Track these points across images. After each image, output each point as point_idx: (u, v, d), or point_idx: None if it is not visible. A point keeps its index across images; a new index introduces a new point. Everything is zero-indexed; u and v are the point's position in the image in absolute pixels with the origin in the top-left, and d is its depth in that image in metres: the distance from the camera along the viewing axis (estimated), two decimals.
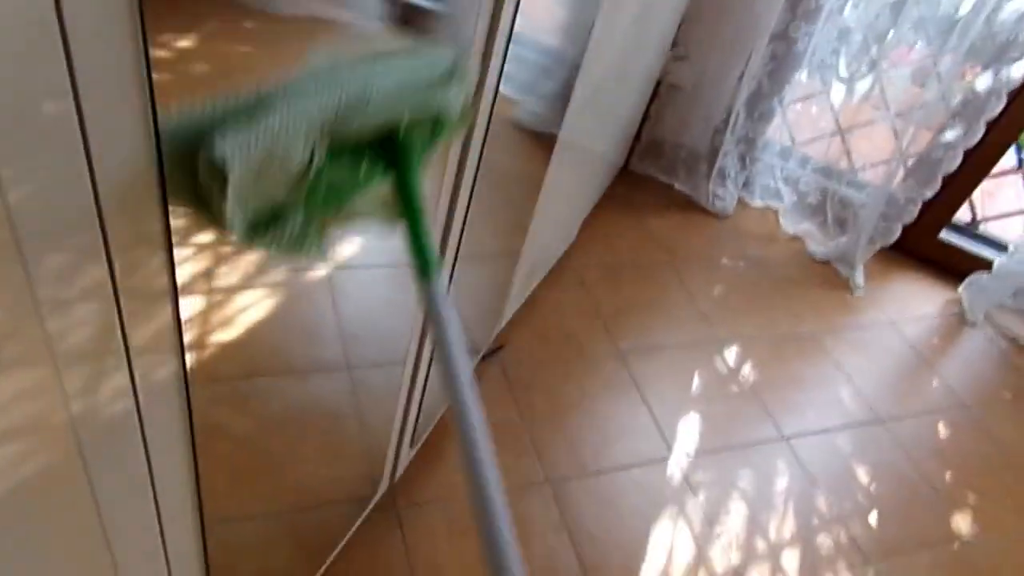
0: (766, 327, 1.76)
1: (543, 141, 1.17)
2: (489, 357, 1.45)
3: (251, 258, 0.65)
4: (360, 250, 0.79)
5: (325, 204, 0.46)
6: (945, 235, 2.06)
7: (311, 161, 0.42)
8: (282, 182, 0.42)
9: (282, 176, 0.42)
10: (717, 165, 2.05)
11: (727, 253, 1.98)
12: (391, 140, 0.49)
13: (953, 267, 2.05)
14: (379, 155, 0.49)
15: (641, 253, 1.89)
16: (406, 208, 0.50)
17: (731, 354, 1.65)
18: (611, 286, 1.75)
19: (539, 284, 1.65)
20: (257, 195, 0.41)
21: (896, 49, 1.84)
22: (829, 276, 1.98)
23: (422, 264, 0.49)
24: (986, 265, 1.97)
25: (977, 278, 1.96)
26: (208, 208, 0.40)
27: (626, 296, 1.73)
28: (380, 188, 0.50)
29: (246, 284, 0.68)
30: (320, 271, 0.80)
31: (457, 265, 0.90)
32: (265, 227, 0.44)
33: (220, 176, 0.38)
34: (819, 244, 2.05)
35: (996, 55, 1.69)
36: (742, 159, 2.09)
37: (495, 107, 0.76)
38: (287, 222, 0.44)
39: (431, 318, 0.48)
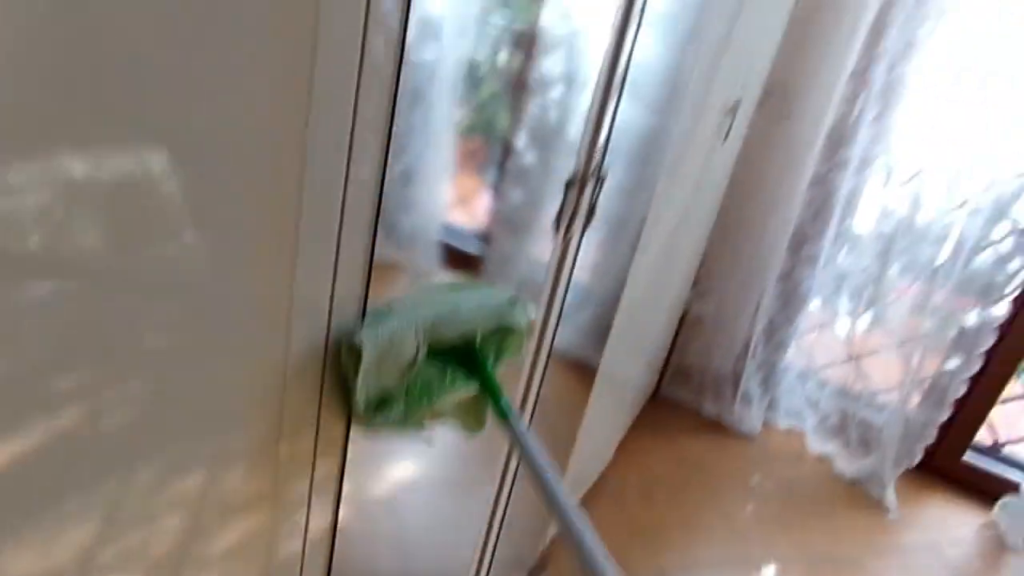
0: (802, 547, 1.82)
1: (584, 370, 1.38)
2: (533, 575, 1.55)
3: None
4: (421, 466, 0.96)
5: (420, 396, 0.62)
6: (969, 457, 2.14)
7: (416, 355, 0.59)
8: (394, 371, 0.58)
9: (395, 366, 0.57)
10: (741, 389, 2.25)
11: (758, 473, 2.09)
12: (471, 352, 0.66)
13: (982, 488, 2.10)
14: (462, 364, 0.65)
15: (675, 473, 2.02)
16: (485, 384, 0.66)
17: (769, 573, 1.70)
18: (647, 504, 1.86)
19: (577, 503, 1.78)
20: (377, 378, 0.56)
21: (894, 287, 2.10)
22: (860, 496, 2.05)
23: (503, 410, 0.64)
24: (1014, 487, 2.02)
25: (1009, 501, 2.00)
26: (342, 387, 0.57)
27: (662, 514, 1.84)
28: (462, 393, 0.66)
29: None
30: (379, 489, 0.96)
31: (513, 489, 1.07)
32: (377, 408, 0.59)
33: (356, 357, 0.54)
34: (846, 464, 2.15)
35: (980, 294, 1.93)
36: (764, 383, 2.28)
37: (554, 343, 0.99)
38: (393, 407, 0.60)
39: (521, 450, 0.62)
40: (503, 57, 0.86)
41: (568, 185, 0.91)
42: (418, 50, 0.81)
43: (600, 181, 0.94)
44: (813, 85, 1.94)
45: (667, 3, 1.05)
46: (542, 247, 0.97)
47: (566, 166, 0.93)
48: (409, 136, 0.82)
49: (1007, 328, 1.95)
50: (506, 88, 0.92)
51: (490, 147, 0.92)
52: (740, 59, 1.44)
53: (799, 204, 2.06)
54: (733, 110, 1.52)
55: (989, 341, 1.94)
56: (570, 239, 0.96)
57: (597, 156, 0.92)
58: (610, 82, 0.89)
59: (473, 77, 0.83)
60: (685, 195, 1.46)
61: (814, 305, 2.21)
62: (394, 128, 0.54)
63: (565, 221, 0.92)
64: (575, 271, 1.02)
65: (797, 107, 1.99)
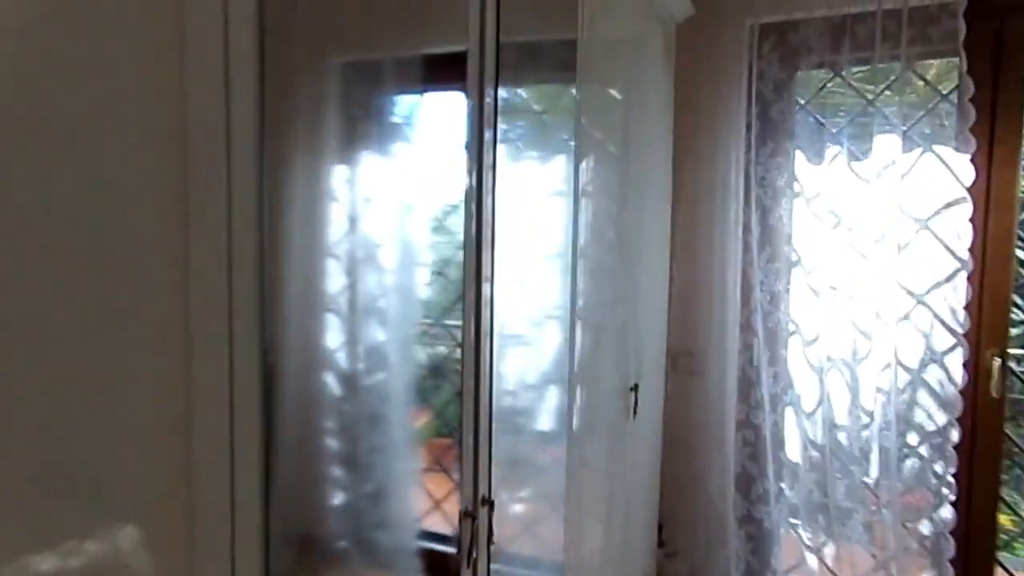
0: None
1: None
2: None
3: None
4: None
5: None
6: None
7: None
8: None
9: None
10: None
11: None
12: None
13: None
14: None
15: None
16: None
17: None
18: None
19: None
20: None
21: (843, 510, 2.16)
22: None
23: None
24: None
25: None
26: None
27: None
28: None
29: None
30: None
31: None
32: None
33: None
34: None
35: (923, 502, 2.02)
36: None
37: None
38: None
39: None
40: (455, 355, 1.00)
41: (462, 517, 0.92)
42: (368, 376, 0.95)
43: (492, 506, 0.97)
44: (711, 345, 2.23)
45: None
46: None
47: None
48: (374, 456, 0.91)
49: (964, 531, 2.02)
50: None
51: (455, 445, 1.02)
52: (630, 351, 1.69)
53: (734, 447, 2.20)
54: (634, 389, 1.71)
55: (951, 549, 1.98)
56: (478, 565, 0.95)
57: (484, 485, 0.95)
58: (476, 416, 0.96)
59: (427, 385, 0.97)
60: (600, 483, 1.54)
61: (784, 541, 2.22)
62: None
63: (466, 552, 0.92)
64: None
65: (704, 364, 2.25)
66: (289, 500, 0.83)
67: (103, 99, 0.48)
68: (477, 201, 0.92)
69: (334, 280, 0.89)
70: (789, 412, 2.19)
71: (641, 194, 1.88)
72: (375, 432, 0.94)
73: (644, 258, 1.90)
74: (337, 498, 0.90)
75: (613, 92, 1.70)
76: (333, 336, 0.92)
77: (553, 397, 1.36)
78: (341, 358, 0.92)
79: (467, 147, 1.06)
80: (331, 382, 0.90)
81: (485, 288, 0.93)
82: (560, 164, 1.42)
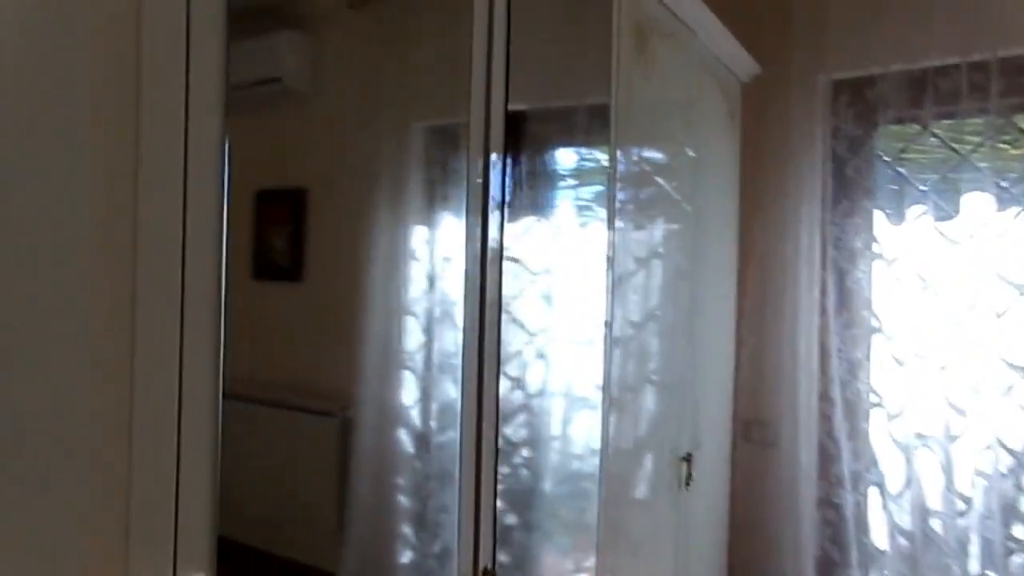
0: None
1: None
2: None
3: None
4: None
5: None
6: None
7: None
8: None
9: None
10: None
11: None
12: None
13: None
14: None
15: None
16: None
17: None
18: None
19: None
20: None
21: None
22: None
23: None
24: None
25: None
26: None
27: None
28: None
29: None
30: None
31: None
32: None
33: None
34: None
35: None
36: None
37: None
38: None
39: None
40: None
41: None
42: (440, 434, 0.95)
43: None
44: (785, 414, 2.08)
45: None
46: None
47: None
48: (443, 515, 0.90)
49: None
50: None
51: None
52: (683, 417, 1.60)
53: (812, 528, 2.02)
54: (687, 458, 1.61)
55: None
56: None
57: (487, 554, 0.91)
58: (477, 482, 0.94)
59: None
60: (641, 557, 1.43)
61: None
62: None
63: None
64: None
65: (777, 434, 2.10)
66: (360, 553, 0.84)
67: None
68: (481, 268, 0.91)
69: (412, 337, 0.91)
70: (873, 492, 1.99)
71: (706, 253, 1.82)
72: (444, 491, 0.94)
73: (706, 320, 1.82)
74: (405, 556, 0.91)
75: (688, 151, 1.68)
76: (408, 393, 0.94)
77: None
78: (415, 415, 0.93)
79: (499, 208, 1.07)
80: (405, 439, 0.91)
81: (490, 346, 0.91)
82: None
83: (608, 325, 1.26)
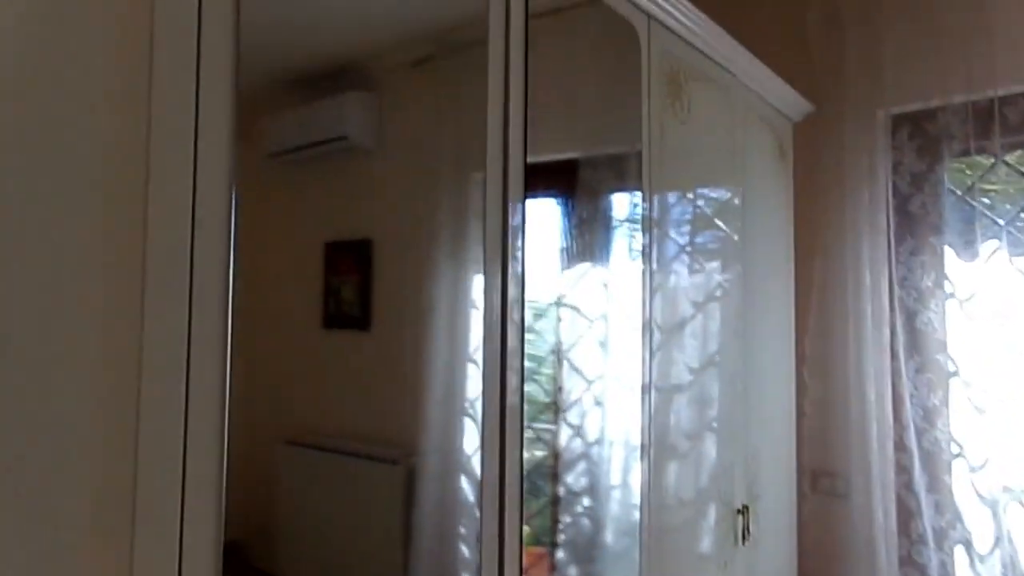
0: None
1: None
2: None
3: None
4: None
5: None
6: None
7: None
8: None
9: None
10: None
11: None
12: None
13: None
14: None
15: None
16: None
17: None
18: None
19: None
20: None
21: None
22: None
23: None
24: None
25: None
26: None
27: None
28: None
29: None
30: None
31: None
32: None
33: None
34: None
35: None
36: None
37: None
38: None
39: None
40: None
41: None
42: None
43: None
44: (856, 464, 2.01)
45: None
46: None
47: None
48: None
49: None
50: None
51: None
52: (737, 467, 1.56)
53: None
54: (743, 511, 1.56)
55: None
56: None
57: None
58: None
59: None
60: None
61: None
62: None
63: None
64: None
65: (849, 486, 2.02)
66: None
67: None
68: (501, 317, 0.92)
69: (472, 385, 0.94)
70: (960, 551, 1.88)
71: (761, 296, 1.80)
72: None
73: (762, 365, 1.79)
74: None
75: (738, 192, 1.69)
76: (470, 441, 0.95)
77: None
78: (476, 463, 0.95)
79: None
80: (466, 487, 0.93)
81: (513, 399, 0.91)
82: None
83: (646, 373, 1.25)
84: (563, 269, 1.09)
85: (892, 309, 2.02)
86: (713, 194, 1.59)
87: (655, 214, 1.28)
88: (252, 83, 0.71)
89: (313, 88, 0.77)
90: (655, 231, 1.26)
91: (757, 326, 1.76)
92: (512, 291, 0.94)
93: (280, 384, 0.74)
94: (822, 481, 2.08)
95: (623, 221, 1.27)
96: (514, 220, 0.94)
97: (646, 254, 1.25)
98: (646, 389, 1.21)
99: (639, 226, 1.26)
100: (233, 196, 0.60)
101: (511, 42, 0.96)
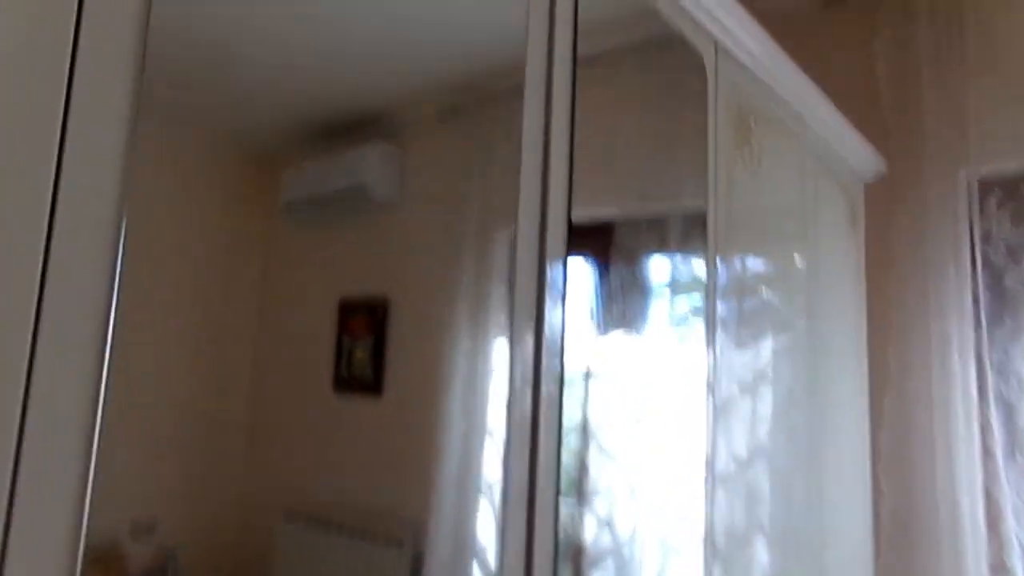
0: None
1: None
2: None
3: None
4: None
5: None
6: None
7: None
8: None
9: None
10: None
11: None
12: None
13: None
14: None
15: None
16: None
17: None
18: None
19: None
20: None
21: None
22: None
23: None
24: None
25: None
26: None
27: None
28: None
29: None
30: None
31: None
32: None
33: None
34: None
35: None
36: None
37: None
38: None
39: None
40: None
41: None
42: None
43: None
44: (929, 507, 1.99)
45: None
46: None
47: None
48: None
49: None
50: None
51: None
52: None
53: None
54: None
55: None
56: None
57: None
58: None
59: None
60: None
61: None
62: None
63: None
64: None
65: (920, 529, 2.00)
66: None
67: None
68: (534, 385, 0.99)
69: (490, 464, 0.99)
70: None
71: (826, 379, 1.84)
72: None
73: (830, 460, 1.81)
74: None
75: (796, 262, 1.76)
76: (485, 525, 1.00)
77: None
78: (491, 552, 1.00)
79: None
80: None
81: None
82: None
83: (709, 462, 1.30)
84: (595, 337, 1.17)
85: (985, 401, 2.04)
86: (778, 260, 1.66)
87: (721, 280, 1.35)
88: (271, 132, 0.83)
89: (334, 138, 0.88)
90: (718, 299, 1.33)
91: (824, 416, 1.80)
92: (546, 360, 1.01)
93: (282, 449, 0.82)
94: None
95: (673, 286, 1.35)
96: (552, 281, 1.02)
97: (709, 325, 1.32)
98: (707, 480, 1.26)
99: (690, 292, 1.34)
100: (123, 228, 0.63)
101: (554, 86, 1.06)
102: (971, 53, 2.17)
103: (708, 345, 1.33)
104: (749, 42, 1.46)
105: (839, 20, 2.40)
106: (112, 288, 0.62)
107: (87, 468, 0.59)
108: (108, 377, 0.61)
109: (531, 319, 1.01)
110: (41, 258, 0.57)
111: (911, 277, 2.18)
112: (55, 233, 0.58)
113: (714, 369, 1.32)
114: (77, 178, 0.60)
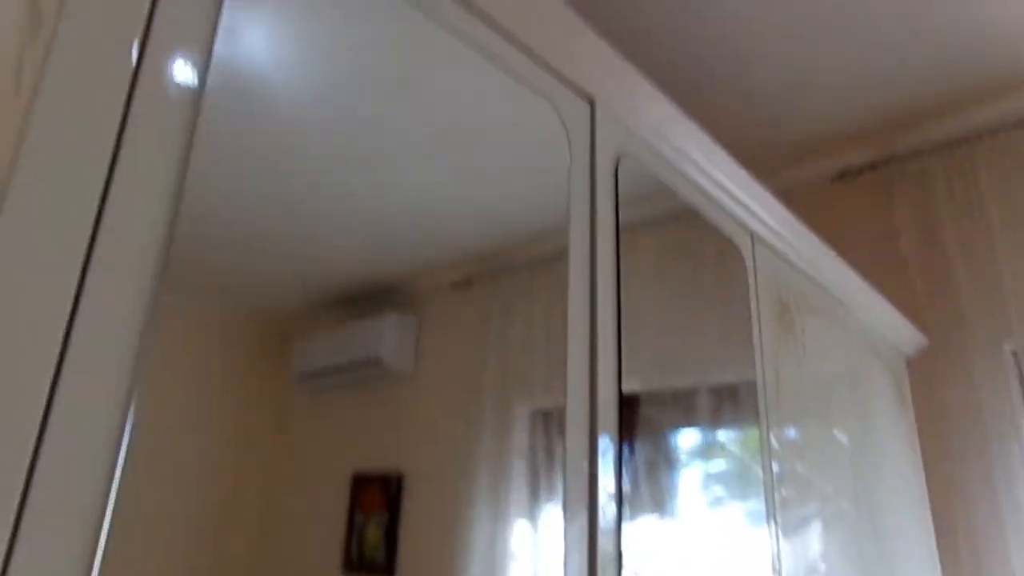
0: None
1: None
2: None
3: None
4: None
5: None
6: None
7: None
8: None
9: None
10: None
11: None
12: None
13: None
14: None
15: None
16: None
17: None
18: None
19: None
20: None
21: None
22: None
23: None
24: None
25: None
26: None
27: None
28: None
29: None
30: None
31: None
32: None
33: None
34: None
35: None
36: None
37: None
38: None
39: None
40: None
41: None
42: None
43: None
44: None
45: None
46: None
47: None
48: None
49: None
50: None
51: None
52: None
53: None
54: None
55: None
56: None
57: None
58: None
59: None
60: None
61: None
62: None
63: None
64: None
65: None
66: None
67: None
68: (590, 565, 0.92)
69: None
70: None
71: (890, 563, 1.68)
72: None
73: None
74: None
75: (838, 434, 1.68)
76: None
77: None
78: None
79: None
80: None
81: None
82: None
83: None
84: (623, 523, 1.10)
85: None
86: (824, 440, 1.60)
87: (777, 466, 1.30)
88: (285, 301, 0.84)
89: (349, 308, 0.89)
90: (776, 485, 1.27)
91: None
92: (604, 546, 0.95)
93: None
94: None
95: (705, 466, 1.28)
96: (603, 460, 0.98)
97: (769, 510, 1.25)
98: None
99: (742, 479, 1.27)
100: (132, 411, 0.63)
101: (598, 256, 1.09)
102: (995, 215, 2.18)
103: (768, 520, 1.24)
104: (786, 232, 1.51)
105: (854, 192, 2.47)
106: (117, 456, 0.60)
107: None
108: (105, 553, 0.58)
109: (583, 499, 0.96)
110: (38, 426, 0.56)
111: (970, 455, 2.06)
112: (55, 402, 0.57)
113: (778, 551, 1.22)
114: (90, 345, 0.60)
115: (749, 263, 1.44)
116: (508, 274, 1.05)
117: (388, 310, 0.91)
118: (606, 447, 1.01)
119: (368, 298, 0.89)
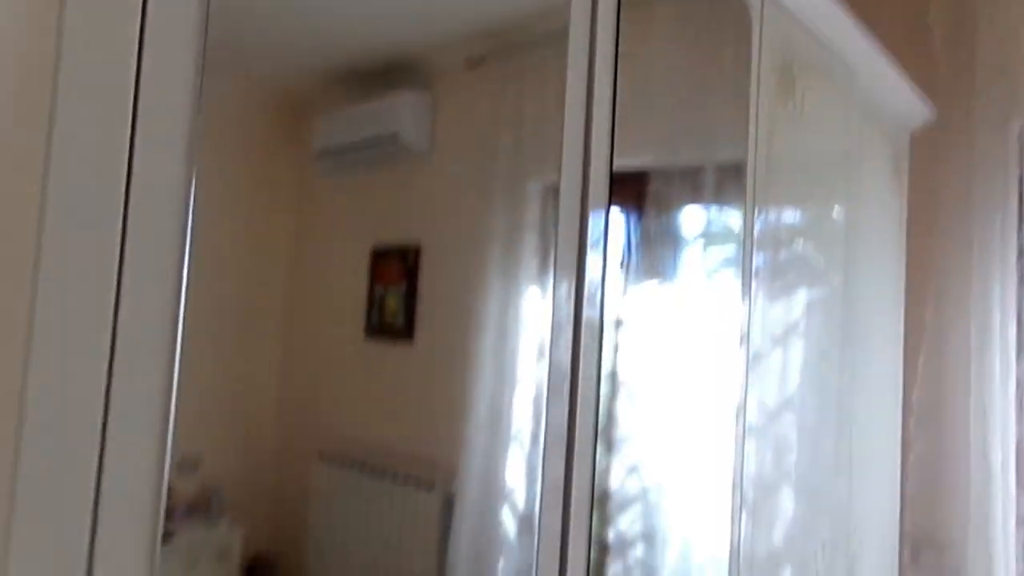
0: None
1: None
2: None
3: None
4: None
5: None
6: None
7: None
8: None
9: None
10: None
11: None
12: None
13: None
14: None
15: None
16: None
17: None
18: None
19: None
20: None
21: None
22: None
23: None
24: None
25: None
26: None
27: None
28: None
29: None
30: None
31: None
32: None
33: None
34: None
35: None
36: None
37: None
38: None
39: None
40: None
41: None
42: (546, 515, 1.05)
43: None
44: (970, 536, 1.99)
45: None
46: None
47: None
48: None
49: None
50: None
51: None
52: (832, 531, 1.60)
53: None
54: None
55: None
56: None
57: None
58: None
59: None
60: None
61: None
62: None
63: None
64: None
65: (961, 559, 2.01)
66: None
67: None
68: (574, 334, 1.01)
69: (521, 409, 1.02)
70: None
71: (860, 333, 1.83)
72: None
73: (861, 415, 1.81)
74: None
75: (834, 214, 1.73)
76: (514, 469, 1.04)
77: None
78: (520, 494, 1.03)
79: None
80: (508, 520, 1.01)
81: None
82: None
83: (740, 412, 1.31)
84: (625, 288, 1.17)
85: (1022, 358, 2.02)
86: (814, 212, 1.65)
87: (757, 231, 1.35)
88: (304, 79, 0.83)
89: (365, 85, 0.88)
90: (754, 249, 1.33)
91: (856, 372, 1.79)
92: (587, 310, 1.02)
93: (316, 394, 0.84)
94: (925, 554, 2.07)
95: (707, 236, 1.34)
96: (594, 232, 1.03)
97: (744, 276, 1.32)
98: (738, 430, 1.28)
99: (726, 244, 1.33)
100: (193, 184, 0.65)
101: (597, 34, 1.05)
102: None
103: (743, 296, 1.33)
104: None
105: None
106: (185, 236, 0.64)
107: (170, 393, 0.62)
108: (186, 315, 0.64)
109: (571, 269, 1.02)
110: (121, 209, 0.59)
111: (955, 230, 2.14)
112: (133, 186, 0.60)
113: (748, 320, 1.32)
114: (152, 134, 0.62)
115: (756, 23, 1.38)
116: (520, 50, 1.02)
117: (404, 87, 0.90)
118: (597, 221, 1.05)
119: (384, 75, 0.87)
